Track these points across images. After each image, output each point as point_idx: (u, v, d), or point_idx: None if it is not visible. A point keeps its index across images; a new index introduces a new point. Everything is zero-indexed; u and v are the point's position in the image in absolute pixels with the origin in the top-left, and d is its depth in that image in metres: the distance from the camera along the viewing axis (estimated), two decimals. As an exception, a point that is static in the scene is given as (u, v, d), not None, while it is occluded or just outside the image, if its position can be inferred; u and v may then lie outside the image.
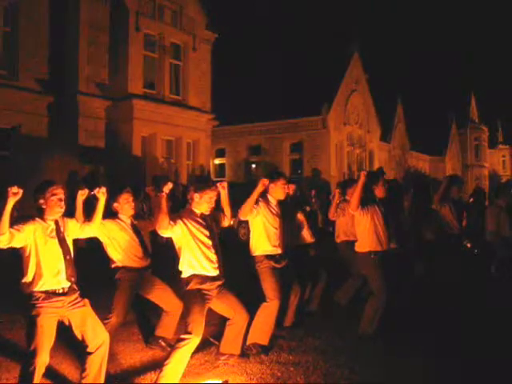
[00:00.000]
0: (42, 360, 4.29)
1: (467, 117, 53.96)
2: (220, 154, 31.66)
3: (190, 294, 5.01)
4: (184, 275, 5.06)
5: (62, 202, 4.58)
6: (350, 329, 6.62)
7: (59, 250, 4.51)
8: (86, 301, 4.62)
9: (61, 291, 4.45)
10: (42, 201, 4.53)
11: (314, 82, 27.36)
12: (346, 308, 7.67)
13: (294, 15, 36.79)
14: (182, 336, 4.82)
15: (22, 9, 17.19)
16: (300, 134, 29.14)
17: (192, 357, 5.66)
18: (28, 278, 4.38)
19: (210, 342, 5.96)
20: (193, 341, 4.78)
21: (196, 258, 5.05)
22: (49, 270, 4.41)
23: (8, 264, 5.51)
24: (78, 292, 4.59)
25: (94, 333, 4.52)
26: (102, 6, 18.76)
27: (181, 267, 5.08)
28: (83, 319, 4.52)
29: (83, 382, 4.51)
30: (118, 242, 5.71)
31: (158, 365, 5.16)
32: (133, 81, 19.01)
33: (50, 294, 4.41)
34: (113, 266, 5.73)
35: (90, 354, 4.49)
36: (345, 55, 30.97)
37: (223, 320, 5.55)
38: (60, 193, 4.58)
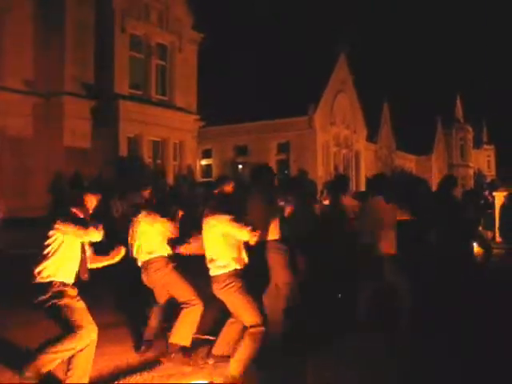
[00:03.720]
0: (90, 331, 4.50)
1: (453, 117, 54.29)
2: (207, 154, 31.57)
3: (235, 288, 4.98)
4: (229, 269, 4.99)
5: (88, 211, 4.90)
6: (334, 330, 6.63)
7: (78, 249, 4.76)
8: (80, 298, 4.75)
9: (71, 284, 4.68)
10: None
11: (300, 83, 27.37)
12: (330, 311, 7.63)
13: (281, 15, 36.96)
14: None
15: (7, 9, 17.08)
16: (286, 135, 29.16)
17: (175, 358, 5.69)
18: (49, 269, 4.57)
19: (196, 343, 5.94)
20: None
21: (236, 253, 5.05)
22: (69, 264, 4.67)
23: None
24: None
25: None
26: (88, 7, 18.68)
27: (222, 262, 5.00)
28: None
29: (68, 381, 4.51)
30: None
31: (145, 366, 5.17)
32: (119, 81, 18.98)
33: (66, 284, 4.64)
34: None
35: (76, 352, 4.51)
36: (331, 55, 31.01)
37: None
38: (91, 201, 4.92)
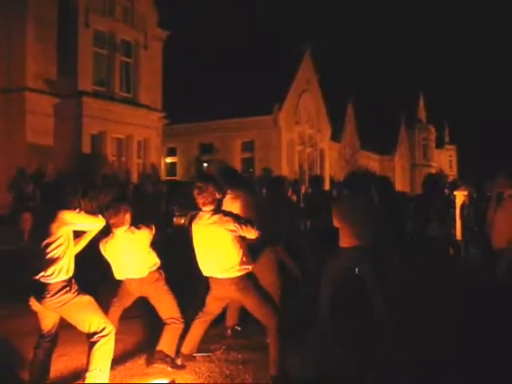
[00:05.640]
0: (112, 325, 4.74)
1: (415, 117, 55.08)
2: (171, 152, 31.41)
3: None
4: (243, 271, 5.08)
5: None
6: (299, 327, 6.68)
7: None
8: None
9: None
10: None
11: (265, 82, 27.40)
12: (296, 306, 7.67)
13: (246, 14, 37.04)
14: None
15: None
16: (251, 133, 29.19)
17: (140, 357, 5.68)
18: (65, 267, 4.55)
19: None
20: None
21: (245, 254, 5.14)
22: (72, 259, 4.67)
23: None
24: None
25: None
26: (51, 1, 18.38)
27: (235, 263, 5.04)
28: None
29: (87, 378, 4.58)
30: None
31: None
32: (82, 78, 18.72)
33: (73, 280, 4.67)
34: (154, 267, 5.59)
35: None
36: (296, 55, 31.15)
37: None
38: None
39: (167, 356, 5.37)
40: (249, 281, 5.10)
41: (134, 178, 19.90)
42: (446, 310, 7.28)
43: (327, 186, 27.60)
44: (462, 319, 6.97)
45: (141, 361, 5.61)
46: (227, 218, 5.03)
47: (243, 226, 5.02)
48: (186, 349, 5.46)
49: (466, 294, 8.29)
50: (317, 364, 5.57)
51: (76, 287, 4.60)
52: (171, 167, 31.63)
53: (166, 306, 5.52)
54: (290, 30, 30.68)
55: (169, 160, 31.61)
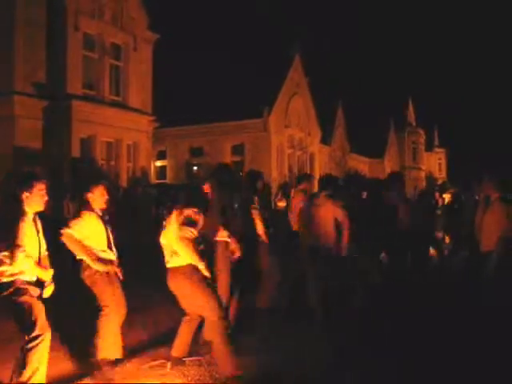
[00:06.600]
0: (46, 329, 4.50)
1: (405, 120, 55.33)
2: (161, 156, 31.40)
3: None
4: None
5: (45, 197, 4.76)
6: (286, 328, 6.69)
7: (37, 243, 4.69)
8: None
9: (34, 281, 4.62)
10: (27, 194, 4.68)
11: (255, 85, 27.47)
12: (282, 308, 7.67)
13: (236, 17, 37.03)
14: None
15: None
16: (241, 136, 29.24)
17: (129, 361, 5.65)
18: (7, 272, 4.49)
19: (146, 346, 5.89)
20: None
21: None
22: (29, 263, 4.55)
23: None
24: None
25: None
26: (39, 4, 18.29)
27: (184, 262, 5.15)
28: None
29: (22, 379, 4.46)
30: (96, 236, 5.56)
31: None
32: (71, 81, 18.67)
33: (29, 283, 4.58)
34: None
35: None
36: (286, 58, 31.23)
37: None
38: (44, 188, 4.75)
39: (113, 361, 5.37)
40: (198, 272, 5.13)
41: (124, 181, 19.86)
42: (430, 309, 7.35)
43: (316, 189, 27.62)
44: (447, 318, 7.04)
45: (130, 364, 5.59)
46: (182, 234, 5.11)
47: (187, 248, 5.08)
48: (176, 351, 5.47)
49: (452, 294, 8.36)
50: (311, 364, 5.60)
51: (15, 287, 4.51)
52: (161, 171, 31.61)
53: (96, 293, 5.50)
54: (279, 33, 30.66)
55: (159, 163, 31.58)
